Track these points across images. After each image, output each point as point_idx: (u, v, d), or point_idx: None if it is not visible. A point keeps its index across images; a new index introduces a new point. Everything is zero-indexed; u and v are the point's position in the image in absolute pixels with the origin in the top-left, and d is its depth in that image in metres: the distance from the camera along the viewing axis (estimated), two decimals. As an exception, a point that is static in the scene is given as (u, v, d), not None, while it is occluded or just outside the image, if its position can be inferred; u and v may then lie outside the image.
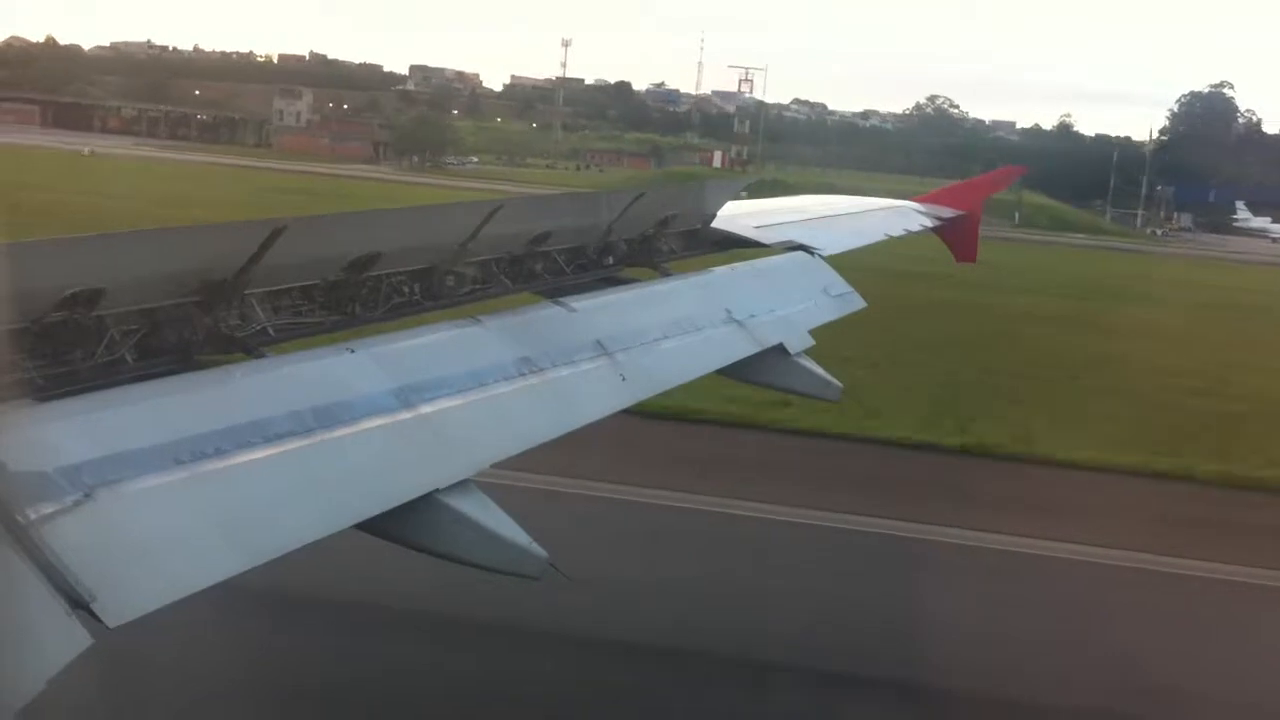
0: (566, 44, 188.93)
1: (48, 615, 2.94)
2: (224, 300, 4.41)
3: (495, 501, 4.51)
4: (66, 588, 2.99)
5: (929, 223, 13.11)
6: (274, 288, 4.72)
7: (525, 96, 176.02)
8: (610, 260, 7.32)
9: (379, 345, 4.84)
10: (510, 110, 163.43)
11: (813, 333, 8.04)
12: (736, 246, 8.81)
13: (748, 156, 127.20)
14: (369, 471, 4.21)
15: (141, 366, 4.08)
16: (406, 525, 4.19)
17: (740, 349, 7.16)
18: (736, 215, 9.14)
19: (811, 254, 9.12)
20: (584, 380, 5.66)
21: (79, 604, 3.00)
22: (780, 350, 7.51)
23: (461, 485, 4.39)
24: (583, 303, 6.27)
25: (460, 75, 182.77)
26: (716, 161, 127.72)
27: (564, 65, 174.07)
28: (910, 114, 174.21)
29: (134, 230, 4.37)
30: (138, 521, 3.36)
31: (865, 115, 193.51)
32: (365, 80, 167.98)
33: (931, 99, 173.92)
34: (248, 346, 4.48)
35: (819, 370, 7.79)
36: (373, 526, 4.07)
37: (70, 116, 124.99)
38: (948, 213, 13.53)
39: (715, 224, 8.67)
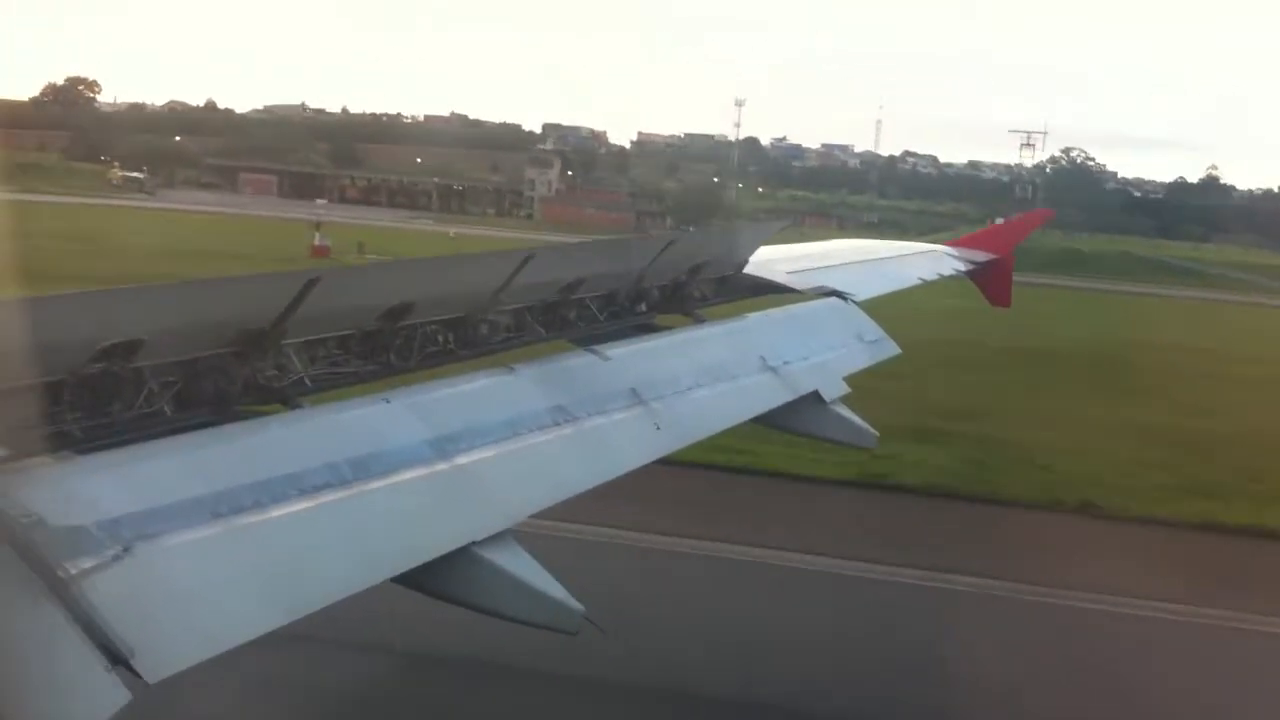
0: (740, 104, 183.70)
1: (87, 670, 2.95)
2: (261, 351, 4.43)
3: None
4: (106, 643, 3.00)
5: (962, 267, 13.05)
6: (310, 338, 4.73)
7: (659, 153, 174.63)
8: (643, 307, 7.30)
9: (414, 395, 4.85)
10: (654, 168, 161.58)
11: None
12: (769, 292, 8.78)
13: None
14: (406, 524, 4.21)
15: (180, 418, 4.10)
16: (442, 578, 4.18)
17: (775, 397, 7.11)
18: (769, 261, 9.10)
19: (845, 300, 9.10)
20: (619, 429, 5.63)
21: (118, 659, 3.00)
22: (815, 398, 7.46)
23: (498, 538, 4.37)
24: (616, 350, 6.24)
25: (594, 133, 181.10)
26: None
27: (738, 125, 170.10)
28: (1044, 166, 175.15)
29: (171, 282, 4.41)
30: (176, 576, 3.37)
31: (974, 166, 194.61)
32: (507, 140, 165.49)
33: (1066, 151, 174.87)
34: (285, 396, 4.51)
35: (855, 418, 7.73)
36: (408, 579, 4.06)
37: (305, 186, 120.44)
38: (981, 257, 13.50)
39: (748, 270, 8.62)
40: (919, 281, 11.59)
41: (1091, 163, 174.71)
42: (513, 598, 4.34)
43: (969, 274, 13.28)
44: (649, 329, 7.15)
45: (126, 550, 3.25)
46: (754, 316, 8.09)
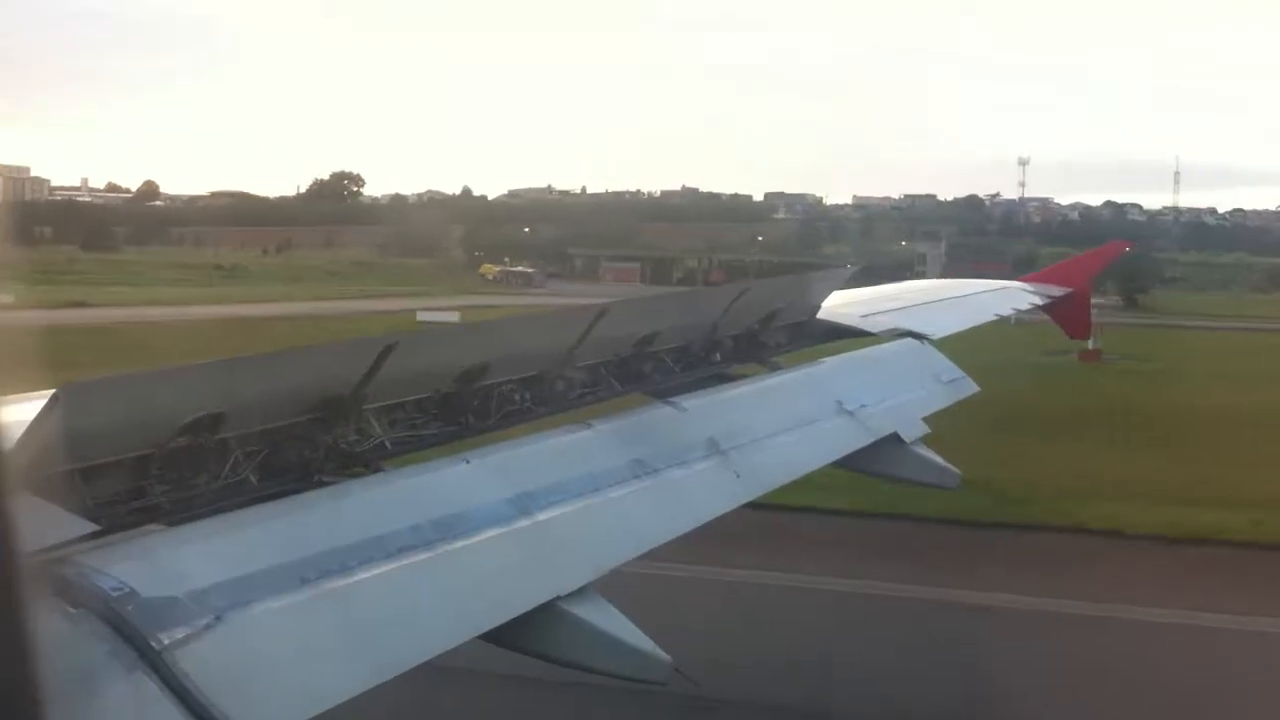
0: (1024, 162, 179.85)
1: None
2: (342, 417, 4.44)
3: None
4: (200, 711, 3.00)
5: (1038, 301, 13.03)
6: (389, 402, 4.74)
7: (883, 215, 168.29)
8: (718, 357, 7.30)
9: (493, 454, 4.89)
10: (892, 232, 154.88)
11: None
12: (844, 337, 8.76)
13: None
14: (490, 582, 4.21)
15: (265, 486, 4.13)
16: (529, 634, 4.19)
17: (854, 440, 7.11)
18: (841, 305, 9.05)
19: (920, 340, 9.05)
20: (698, 479, 5.64)
21: None
22: (895, 439, 7.43)
23: (582, 591, 4.35)
24: (693, 401, 6.27)
25: (818, 200, 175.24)
26: None
27: (1022, 185, 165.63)
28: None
29: (254, 354, 4.50)
30: (267, 642, 3.37)
31: (1170, 211, 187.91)
32: (745, 211, 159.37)
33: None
34: (366, 461, 4.54)
35: (936, 459, 7.67)
36: (495, 636, 4.06)
37: (663, 272, 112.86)
38: (1056, 291, 13.42)
39: (820, 315, 8.56)
40: (995, 317, 11.57)
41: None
42: (600, 651, 4.32)
43: (1045, 308, 13.30)
44: (725, 379, 7.15)
45: (218, 619, 3.26)
46: (829, 361, 8.09)
